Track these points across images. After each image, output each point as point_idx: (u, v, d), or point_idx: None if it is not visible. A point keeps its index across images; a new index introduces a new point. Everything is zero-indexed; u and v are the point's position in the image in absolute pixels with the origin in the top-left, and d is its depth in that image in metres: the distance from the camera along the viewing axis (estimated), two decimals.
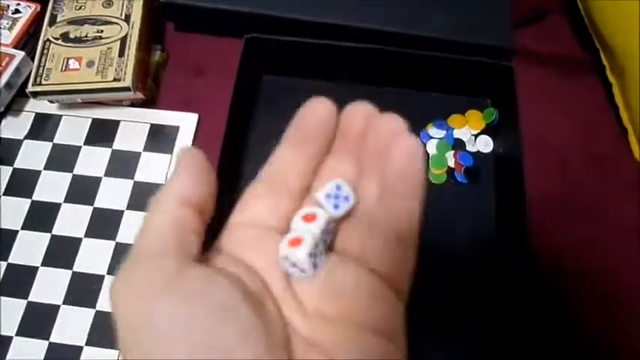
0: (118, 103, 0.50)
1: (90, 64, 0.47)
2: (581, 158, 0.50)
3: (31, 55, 0.49)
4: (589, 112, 0.52)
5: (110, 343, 0.42)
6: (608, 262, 0.46)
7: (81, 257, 0.45)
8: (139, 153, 0.49)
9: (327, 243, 0.22)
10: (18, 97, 0.50)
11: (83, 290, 0.44)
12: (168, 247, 0.20)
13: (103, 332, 0.42)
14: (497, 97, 0.51)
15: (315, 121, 0.24)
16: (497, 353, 0.43)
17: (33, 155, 0.49)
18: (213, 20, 0.52)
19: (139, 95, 0.49)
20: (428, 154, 0.49)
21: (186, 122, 0.50)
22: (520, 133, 0.45)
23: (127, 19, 0.49)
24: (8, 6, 0.51)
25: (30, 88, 0.46)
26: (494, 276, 0.45)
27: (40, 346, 0.42)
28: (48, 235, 0.46)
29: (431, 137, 0.50)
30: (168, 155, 0.49)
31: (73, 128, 0.50)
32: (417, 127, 0.50)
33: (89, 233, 0.46)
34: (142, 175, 0.48)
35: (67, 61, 0.47)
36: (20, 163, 0.48)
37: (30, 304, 0.43)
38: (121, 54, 0.47)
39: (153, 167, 0.48)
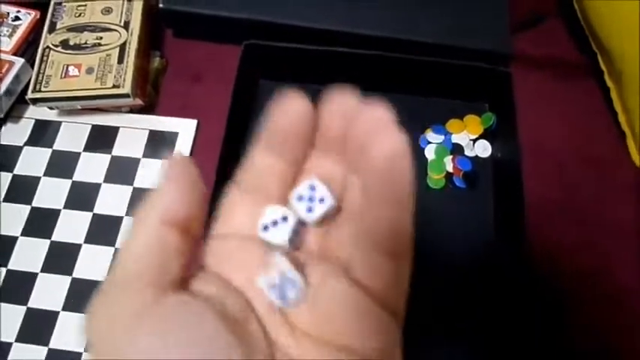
0: (117, 110, 0.51)
1: (89, 70, 0.47)
2: (578, 162, 0.50)
3: (30, 62, 0.50)
4: (586, 116, 0.52)
5: None
6: (606, 264, 0.46)
7: (80, 263, 0.45)
8: (138, 159, 0.49)
9: (296, 243, 0.21)
10: (18, 103, 0.50)
11: (83, 296, 0.44)
12: (146, 273, 0.18)
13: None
14: (495, 102, 0.51)
15: (290, 122, 0.21)
16: (498, 356, 0.43)
17: (33, 161, 0.49)
18: (212, 27, 0.52)
19: (138, 101, 0.49)
20: (426, 159, 0.49)
21: (185, 128, 0.50)
22: (518, 137, 0.45)
23: (126, 25, 0.49)
24: (8, 13, 0.51)
25: (30, 95, 0.47)
26: (493, 279, 0.45)
27: (39, 353, 0.42)
28: (47, 242, 0.46)
29: (429, 142, 0.50)
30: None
31: (72, 135, 0.50)
32: (416, 132, 0.50)
33: (89, 239, 0.46)
34: (141, 181, 0.48)
35: (67, 68, 0.48)
36: (20, 169, 0.49)
37: (29, 311, 0.43)
38: (120, 61, 0.48)
39: (152, 173, 0.48)
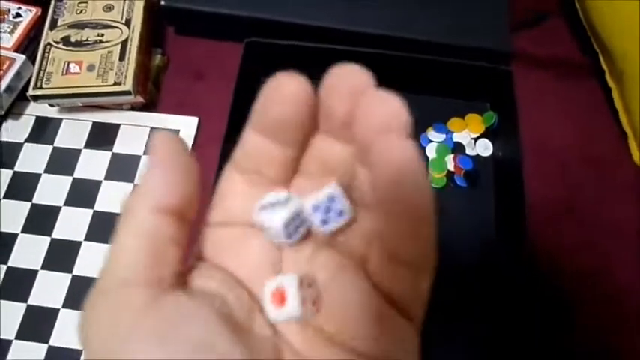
0: (118, 107, 0.51)
1: (90, 67, 0.47)
2: (579, 162, 0.50)
3: (31, 58, 0.50)
4: (588, 116, 0.52)
5: None
6: (607, 264, 0.46)
7: (81, 261, 0.45)
8: (139, 156, 0.49)
9: (291, 233, 0.19)
10: (18, 100, 0.50)
11: (83, 294, 0.43)
12: (139, 274, 0.17)
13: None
14: (496, 101, 0.51)
15: (285, 107, 0.18)
16: (497, 355, 0.43)
17: (33, 159, 0.49)
18: (213, 24, 0.52)
19: (140, 99, 0.49)
20: (427, 158, 0.49)
21: (186, 126, 0.50)
22: (519, 136, 0.45)
23: (128, 23, 0.49)
24: (9, 10, 0.51)
25: (31, 92, 0.47)
26: (493, 278, 0.45)
27: (39, 350, 0.42)
28: (48, 239, 0.46)
29: (430, 141, 0.50)
30: None
31: (73, 132, 0.50)
32: (417, 131, 0.50)
33: (89, 237, 0.46)
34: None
35: (68, 65, 0.47)
36: (21, 166, 0.49)
37: (30, 308, 0.43)
38: (122, 58, 0.48)
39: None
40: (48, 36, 0.49)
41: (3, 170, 0.48)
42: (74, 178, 0.48)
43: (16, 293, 0.44)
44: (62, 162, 0.49)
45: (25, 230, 0.46)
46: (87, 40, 0.49)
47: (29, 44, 0.51)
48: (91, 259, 0.45)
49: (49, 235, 0.46)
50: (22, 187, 0.48)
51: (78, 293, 0.44)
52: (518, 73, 0.48)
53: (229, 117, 0.45)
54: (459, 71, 0.49)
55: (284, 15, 0.49)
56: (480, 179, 0.48)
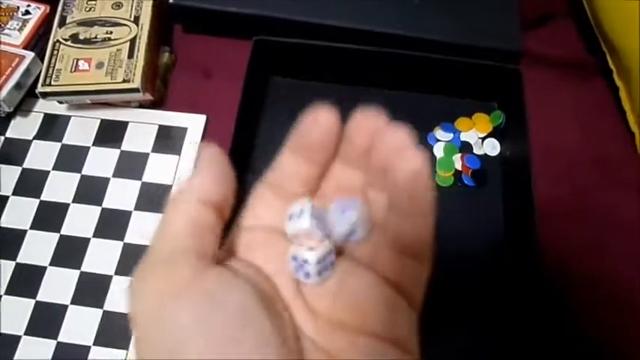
0: (126, 104, 0.51)
1: (99, 65, 0.47)
2: (587, 161, 0.50)
3: (40, 55, 0.50)
4: (596, 115, 0.52)
5: (118, 343, 0.42)
6: (616, 265, 0.46)
7: (89, 257, 0.45)
8: (147, 154, 0.49)
9: (334, 260, 0.22)
10: (27, 97, 0.50)
11: (91, 290, 0.44)
12: (187, 247, 0.19)
13: (110, 332, 0.42)
14: (504, 101, 0.51)
15: (318, 129, 0.23)
16: (503, 355, 0.43)
17: (42, 155, 0.49)
18: (221, 22, 0.52)
19: (148, 96, 0.49)
20: (435, 157, 0.49)
21: (194, 123, 0.50)
22: (528, 136, 0.45)
23: (137, 20, 0.49)
24: (18, 7, 0.52)
25: (40, 89, 0.47)
26: (500, 278, 0.45)
27: (48, 346, 0.42)
28: (56, 235, 0.46)
29: (438, 140, 0.50)
30: (176, 156, 0.49)
31: (81, 129, 0.50)
32: (425, 129, 0.50)
33: (97, 233, 0.46)
34: (149, 175, 0.48)
35: (77, 62, 0.48)
36: (29, 163, 0.49)
37: (38, 304, 0.44)
38: (131, 55, 0.48)
39: (161, 168, 0.49)
40: (57, 33, 0.49)
41: (12, 167, 0.48)
42: (82, 175, 0.48)
43: (25, 290, 0.44)
44: (70, 159, 0.49)
45: (33, 227, 0.46)
46: (96, 37, 0.49)
47: (38, 41, 0.51)
48: (99, 256, 0.45)
49: (58, 231, 0.46)
50: (31, 183, 0.48)
51: (86, 289, 0.44)
52: (526, 72, 0.48)
53: (238, 114, 0.45)
54: (466, 70, 0.49)
55: (292, 13, 0.49)
56: (487, 178, 0.48)
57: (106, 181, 0.48)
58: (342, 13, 0.50)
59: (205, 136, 0.50)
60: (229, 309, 0.18)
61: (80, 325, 0.43)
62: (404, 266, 0.21)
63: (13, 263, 0.45)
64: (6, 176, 0.48)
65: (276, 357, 0.18)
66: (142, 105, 0.51)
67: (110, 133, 0.50)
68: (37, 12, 0.52)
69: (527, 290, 0.43)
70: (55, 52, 0.48)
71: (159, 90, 0.51)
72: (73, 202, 0.47)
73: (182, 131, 0.50)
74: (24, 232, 0.46)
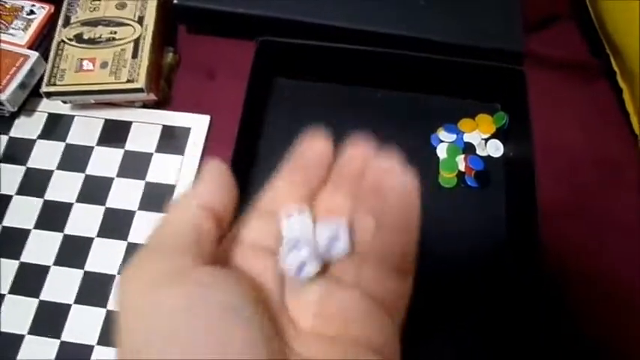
0: (130, 104, 0.51)
1: (104, 65, 0.47)
2: (590, 163, 0.50)
3: (44, 55, 0.50)
4: (599, 117, 0.52)
5: None
6: (617, 266, 0.46)
7: (92, 257, 0.45)
8: (151, 154, 0.49)
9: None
10: (31, 97, 0.50)
11: (95, 290, 0.44)
12: (186, 246, 0.20)
13: (114, 332, 0.42)
14: (507, 102, 0.51)
15: (312, 154, 0.25)
16: (505, 355, 0.43)
17: (45, 155, 0.49)
18: (225, 23, 0.52)
19: (152, 97, 0.49)
20: (438, 158, 0.49)
21: (197, 124, 0.50)
22: (531, 137, 0.45)
23: (141, 20, 0.50)
24: (23, 7, 0.52)
25: (44, 89, 0.47)
26: (503, 279, 0.45)
27: (51, 345, 0.42)
28: (60, 235, 0.46)
29: (441, 141, 0.50)
30: (180, 156, 0.49)
31: (85, 129, 0.50)
32: (428, 130, 0.50)
33: (101, 233, 0.46)
34: (153, 175, 0.48)
35: (81, 62, 0.48)
36: (33, 162, 0.49)
37: (42, 303, 0.44)
38: (135, 55, 0.48)
39: (164, 168, 0.49)
40: (61, 33, 0.49)
41: (16, 166, 0.49)
42: (86, 175, 0.48)
43: (28, 289, 0.44)
44: (74, 159, 0.49)
45: (37, 226, 0.46)
46: (100, 37, 0.49)
47: (42, 41, 0.51)
48: (102, 256, 0.45)
49: (61, 231, 0.46)
50: (35, 183, 0.48)
51: (90, 289, 0.44)
52: (529, 74, 0.48)
53: (242, 115, 0.45)
54: (470, 71, 0.49)
55: (296, 14, 0.49)
56: (490, 180, 0.48)
57: (109, 180, 0.48)
58: (346, 14, 0.50)
59: (209, 136, 0.50)
60: (220, 304, 0.18)
61: (84, 325, 0.43)
62: (387, 284, 0.23)
63: (17, 262, 0.45)
64: (10, 176, 0.48)
65: (265, 356, 0.18)
66: (145, 105, 0.51)
67: (114, 133, 0.50)
68: (42, 12, 0.52)
69: (529, 290, 0.43)
70: (60, 51, 0.48)
71: (163, 90, 0.51)
72: (76, 201, 0.47)
73: (186, 131, 0.50)
74: (27, 231, 0.46)
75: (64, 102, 0.50)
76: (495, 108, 0.52)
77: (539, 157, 0.45)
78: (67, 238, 0.46)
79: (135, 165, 0.49)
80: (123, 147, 0.50)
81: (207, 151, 0.49)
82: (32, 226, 0.46)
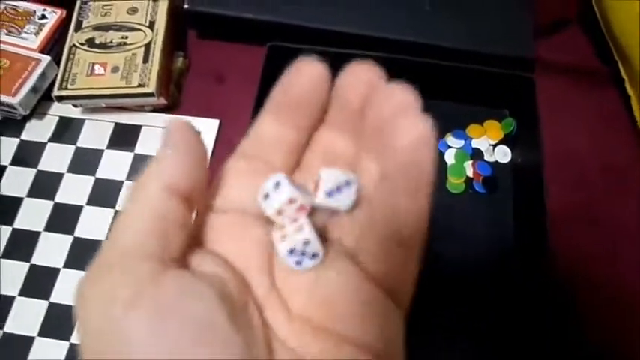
0: (140, 109, 0.51)
1: (115, 69, 0.48)
2: (599, 170, 0.50)
3: (56, 59, 0.50)
4: (607, 124, 0.52)
5: None
6: (626, 273, 0.46)
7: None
8: None
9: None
10: (42, 100, 0.51)
11: None
12: (146, 249, 0.17)
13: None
14: (515, 108, 0.51)
15: (304, 85, 0.20)
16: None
17: (56, 158, 0.50)
18: (236, 28, 0.53)
19: (162, 101, 0.49)
20: (446, 164, 0.49)
21: (207, 128, 0.51)
22: (540, 143, 0.45)
23: (152, 25, 0.50)
24: (35, 11, 0.52)
25: (56, 92, 0.47)
26: (510, 286, 0.45)
27: (61, 347, 0.42)
28: (70, 237, 0.46)
29: (449, 147, 0.50)
30: None
31: (96, 132, 0.51)
32: (436, 136, 0.50)
33: None
34: None
35: (93, 66, 0.48)
36: (44, 165, 0.49)
37: (52, 305, 0.44)
38: (146, 60, 0.48)
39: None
40: (73, 37, 0.50)
41: (27, 169, 0.49)
42: (96, 178, 0.49)
43: (38, 291, 0.44)
44: (85, 162, 0.49)
45: (47, 229, 0.47)
46: (111, 42, 0.49)
47: (54, 45, 0.51)
48: None
49: (72, 234, 0.46)
50: (45, 186, 0.48)
51: None
52: (538, 80, 0.48)
53: (252, 120, 0.45)
54: (478, 77, 0.49)
55: (306, 20, 0.50)
56: (498, 186, 0.49)
57: (119, 184, 0.48)
58: (355, 20, 0.50)
59: (218, 140, 0.50)
60: (187, 321, 0.15)
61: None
62: (390, 260, 0.19)
63: (27, 265, 0.45)
64: (21, 178, 0.49)
65: None
66: (155, 109, 0.51)
67: (124, 137, 0.50)
68: (54, 16, 0.52)
69: (536, 296, 0.43)
70: (72, 56, 0.49)
71: (172, 94, 0.51)
72: (86, 204, 0.48)
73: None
74: (38, 233, 0.46)
75: (75, 106, 0.50)
76: (504, 114, 0.52)
77: (547, 163, 0.45)
78: (77, 240, 0.46)
79: (145, 169, 0.49)
80: (133, 150, 0.50)
81: (216, 155, 0.49)
82: (43, 228, 0.47)
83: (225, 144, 0.50)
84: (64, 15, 0.53)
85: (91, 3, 0.51)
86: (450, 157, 0.50)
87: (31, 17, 0.52)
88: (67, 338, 0.43)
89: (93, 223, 0.47)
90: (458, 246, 0.46)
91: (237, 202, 0.20)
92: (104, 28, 0.50)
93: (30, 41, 0.51)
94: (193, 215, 0.19)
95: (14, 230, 0.47)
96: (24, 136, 0.50)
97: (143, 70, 0.48)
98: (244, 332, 0.17)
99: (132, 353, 0.15)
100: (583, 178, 0.50)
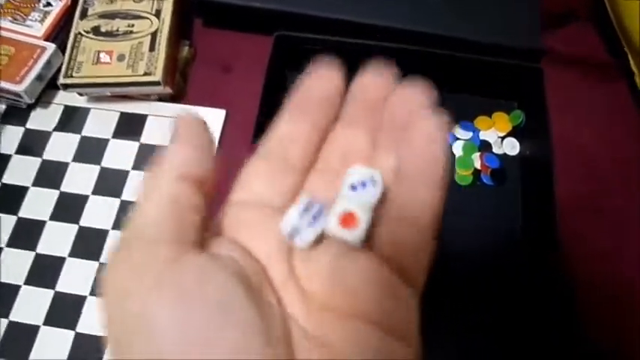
0: (145, 98, 0.51)
1: (121, 57, 0.47)
2: (607, 162, 0.50)
3: (61, 47, 0.50)
4: (616, 117, 0.52)
5: None
6: (636, 266, 0.45)
7: (108, 249, 0.45)
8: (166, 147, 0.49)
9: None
10: (47, 89, 0.50)
11: None
12: (163, 232, 0.18)
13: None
14: (523, 100, 0.50)
15: (321, 88, 0.21)
16: (517, 355, 0.43)
17: (61, 147, 0.49)
18: (242, 17, 0.52)
19: (167, 90, 0.49)
20: (454, 155, 0.49)
21: (213, 118, 0.50)
22: (548, 136, 0.45)
23: (158, 14, 0.50)
24: None
25: (61, 80, 0.47)
26: (518, 278, 0.45)
27: (66, 336, 0.42)
28: (75, 227, 0.46)
29: (457, 138, 0.50)
30: None
31: (101, 121, 0.50)
32: None
33: (116, 225, 0.46)
34: None
35: (98, 55, 0.48)
36: (49, 154, 0.49)
37: (57, 294, 0.44)
38: (152, 48, 0.48)
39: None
40: (78, 25, 0.50)
41: (32, 158, 0.49)
42: (102, 167, 0.48)
43: (44, 280, 0.44)
44: (90, 151, 0.49)
45: (53, 218, 0.46)
46: (117, 30, 0.49)
47: (59, 33, 0.51)
48: None
49: (77, 223, 0.46)
50: (51, 175, 0.48)
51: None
52: (546, 72, 0.47)
53: (259, 110, 0.45)
54: (486, 69, 0.49)
55: (313, 9, 0.49)
56: (506, 178, 0.48)
57: (125, 173, 0.48)
58: (363, 9, 0.50)
59: (224, 130, 0.50)
60: (209, 305, 0.16)
61: (98, 316, 0.43)
62: (406, 246, 0.19)
63: (33, 254, 0.45)
64: (26, 167, 0.48)
65: (262, 352, 0.16)
66: (161, 98, 0.51)
67: (129, 126, 0.50)
68: (59, 4, 0.52)
69: (543, 289, 0.43)
70: (77, 44, 0.48)
71: (178, 84, 0.51)
72: (92, 193, 0.47)
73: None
74: (43, 222, 0.46)
75: (81, 94, 0.50)
76: (512, 106, 0.51)
77: (556, 156, 0.45)
78: (82, 229, 0.46)
79: (150, 158, 0.49)
80: (138, 140, 0.50)
81: (222, 145, 0.49)
82: (48, 217, 0.46)
83: (232, 134, 0.50)
84: (69, 2, 0.52)
85: None
86: (457, 149, 0.49)
87: (36, 4, 0.51)
88: (73, 327, 0.43)
89: (98, 213, 0.47)
90: (465, 238, 0.45)
91: (255, 196, 0.21)
92: (110, 15, 0.50)
93: (35, 29, 0.50)
94: (207, 200, 0.20)
95: (19, 219, 0.46)
96: (29, 125, 0.50)
97: (149, 59, 0.47)
98: (264, 315, 0.17)
99: (158, 342, 0.16)
100: (591, 171, 0.49)
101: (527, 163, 0.49)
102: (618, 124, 0.52)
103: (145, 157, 0.49)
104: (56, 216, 0.47)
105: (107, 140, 0.50)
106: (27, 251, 0.45)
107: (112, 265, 0.18)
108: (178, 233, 0.18)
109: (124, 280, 0.17)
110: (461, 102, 0.51)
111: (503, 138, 0.50)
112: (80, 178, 0.48)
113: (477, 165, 0.48)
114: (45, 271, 0.45)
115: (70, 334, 0.42)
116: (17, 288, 0.44)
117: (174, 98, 0.51)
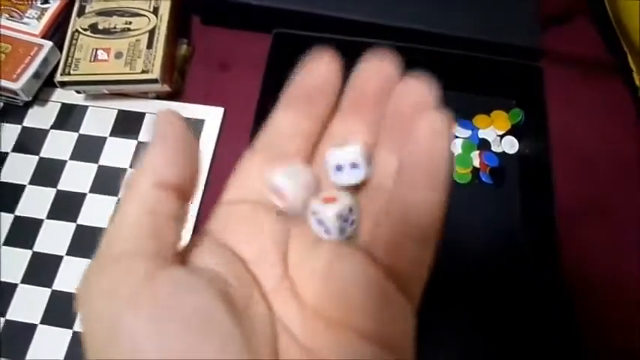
0: (143, 95, 0.51)
1: (118, 55, 0.47)
2: (606, 161, 0.50)
3: (58, 45, 0.50)
4: (615, 115, 0.52)
5: None
6: (635, 267, 0.45)
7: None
8: None
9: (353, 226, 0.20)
10: (45, 87, 0.50)
11: None
12: (139, 246, 0.17)
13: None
14: (522, 98, 0.50)
15: (318, 79, 0.20)
16: (516, 355, 0.43)
17: (59, 145, 0.49)
18: (240, 14, 0.52)
19: (165, 88, 0.49)
20: (453, 154, 0.49)
21: (211, 116, 0.50)
22: (547, 134, 0.45)
23: (156, 11, 0.49)
24: None
25: (58, 78, 0.47)
26: (517, 277, 0.45)
27: (64, 335, 0.42)
28: (73, 225, 0.46)
29: (456, 136, 0.49)
30: None
31: (98, 119, 0.50)
32: None
33: None
34: None
35: (96, 52, 0.48)
36: (46, 152, 0.49)
37: (54, 293, 0.44)
38: (150, 46, 0.47)
39: None
40: (76, 23, 0.49)
41: (29, 156, 0.48)
42: (99, 166, 0.48)
43: (41, 278, 0.44)
44: (87, 149, 0.49)
45: (50, 216, 0.46)
46: (115, 27, 0.49)
47: (56, 31, 0.51)
48: None
49: (74, 221, 0.46)
50: (48, 173, 0.48)
51: None
52: (545, 70, 0.47)
53: (257, 108, 0.45)
54: (485, 67, 0.49)
55: (312, 6, 0.49)
56: (505, 176, 0.48)
57: (122, 171, 0.48)
58: (362, 7, 0.49)
59: (223, 128, 0.50)
60: (184, 321, 0.16)
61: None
62: (404, 254, 0.19)
63: (30, 252, 0.45)
64: (23, 165, 0.48)
65: None
66: (159, 96, 0.51)
67: (127, 124, 0.50)
68: (56, 1, 0.51)
69: (543, 289, 0.43)
70: (74, 41, 0.48)
71: (176, 82, 0.51)
72: (89, 192, 0.47)
73: (199, 123, 0.50)
74: (40, 221, 0.46)
75: (78, 92, 0.50)
76: (511, 104, 0.51)
77: (555, 154, 0.45)
78: (79, 228, 0.46)
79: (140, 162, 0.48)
80: (136, 138, 0.49)
81: (221, 143, 0.49)
82: (45, 215, 0.46)
83: (230, 132, 0.49)
84: (66, 0, 0.52)
85: None
86: (456, 147, 0.49)
87: (33, 2, 0.51)
88: (70, 326, 0.42)
89: (95, 211, 0.46)
90: (463, 236, 0.45)
91: (249, 192, 0.20)
92: (107, 13, 0.50)
93: (32, 26, 0.50)
94: (188, 205, 0.19)
95: (16, 217, 0.46)
96: (26, 123, 0.50)
97: (147, 56, 0.47)
98: (246, 324, 0.17)
99: (136, 355, 0.15)
100: (590, 169, 0.49)
101: (526, 161, 0.48)
102: (617, 123, 0.52)
103: (143, 155, 0.48)
104: (53, 214, 0.46)
105: (105, 138, 0.49)
106: (24, 249, 0.45)
107: (90, 277, 0.17)
108: (155, 248, 0.17)
109: (100, 297, 0.16)
110: (460, 100, 0.51)
111: (502, 136, 0.50)
112: (78, 176, 0.48)
113: (476, 163, 0.48)
114: (42, 270, 0.44)
115: (67, 333, 0.42)
116: (14, 286, 0.44)
117: (172, 96, 0.51)
